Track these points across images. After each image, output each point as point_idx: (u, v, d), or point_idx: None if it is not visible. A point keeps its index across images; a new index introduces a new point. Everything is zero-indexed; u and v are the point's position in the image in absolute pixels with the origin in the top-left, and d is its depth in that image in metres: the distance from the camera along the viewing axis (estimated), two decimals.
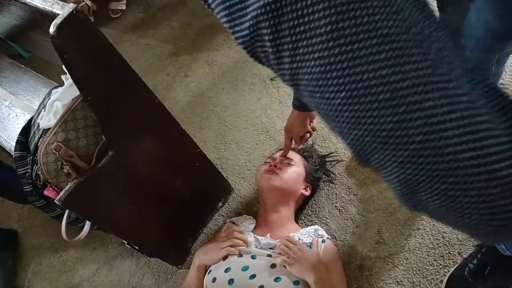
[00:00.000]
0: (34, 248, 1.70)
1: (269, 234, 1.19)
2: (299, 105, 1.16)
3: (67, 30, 0.75)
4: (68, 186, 0.94)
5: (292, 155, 1.33)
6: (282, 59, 0.35)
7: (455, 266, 1.15)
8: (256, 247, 1.16)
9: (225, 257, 1.12)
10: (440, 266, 1.17)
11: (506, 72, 1.39)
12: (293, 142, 1.30)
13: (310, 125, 1.25)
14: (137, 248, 1.45)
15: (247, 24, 0.35)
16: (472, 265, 1.09)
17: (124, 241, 1.51)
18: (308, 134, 1.27)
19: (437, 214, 0.38)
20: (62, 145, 0.94)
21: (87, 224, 1.07)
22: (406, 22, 0.31)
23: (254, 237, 1.19)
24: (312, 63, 0.32)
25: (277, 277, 1.02)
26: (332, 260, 1.14)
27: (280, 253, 1.08)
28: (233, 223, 1.33)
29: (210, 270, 1.12)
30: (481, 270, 1.07)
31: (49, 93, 1.15)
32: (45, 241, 1.69)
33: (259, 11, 0.33)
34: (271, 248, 1.15)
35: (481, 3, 0.85)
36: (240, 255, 1.11)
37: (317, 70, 0.33)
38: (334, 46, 0.31)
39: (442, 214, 0.37)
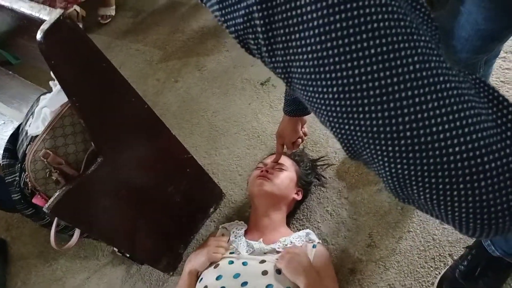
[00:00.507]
0: (23, 257, 1.67)
1: (261, 239, 1.19)
2: (290, 111, 1.17)
3: (55, 36, 0.74)
4: (56, 194, 0.92)
5: (284, 160, 1.33)
6: (274, 51, 0.35)
7: (446, 268, 1.16)
8: (247, 252, 1.15)
9: (216, 265, 1.11)
10: (431, 268, 1.17)
11: (493, 75, 1.41)
12: (285, 147, 1.30)
13: (301, 130, 1.25)
14: (128, 255, 1.43)
15: (241, 13, 0.35)
16: (462, 267, 1.10)
17: (115, 248, 1.49)
18: (300, 140, 1.27)
19: (426, 208, 0.38)
20: (51, 152, 0.93)
21: (77, 232, 1.06)
22: (396, 15, 0.31)
23: (246, 241, 1.19)
24: (305, 56, 0.32)
25: (269, 284, 1.02)
26: (323, 265, 1.13)
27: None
28: (225, 228, 1.32)
29: (201, 278, 1.11)
30: (472, 271, 1.08)
31: (38, 100, 1.14)
32: (34, 250, 1.67)
33: (253, 1, 0.33)
34: (264, 253, 1.15)
35: (470, 5, 0.87)
36: (231, 262, 1.10)
37: (310, 64, 0.33)
38: (327, 40, 0.31)
39: (431, 208, 0.37)
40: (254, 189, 1.27)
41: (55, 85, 1.04)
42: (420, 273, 1.18)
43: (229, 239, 1.24)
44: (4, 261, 1.68)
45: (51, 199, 0.92)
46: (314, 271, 1.06)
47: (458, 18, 0.92)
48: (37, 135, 0.99)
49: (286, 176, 1.29)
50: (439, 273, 1.16)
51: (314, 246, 1.18)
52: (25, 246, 1.70)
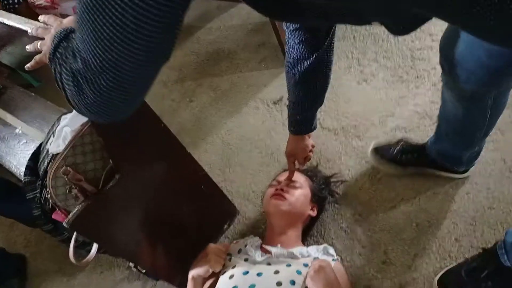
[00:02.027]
0: (42, 273, 1.70)
1: (279, 244, 1.20)
2: (296, 130, 1.20)
3: None
4: (76, 209, 0.95)
5: (297, 176, 1.34)
6: None
7: (454, 264, 1.15)
8: (262, 257, 1.16)
9: (231, 276, 1.12)
10: None
11: None
12: (297, 164, 1.31)
13: (309, 143, 1.27)
14: (143, 271, 1.45)
15: None
16: (470, 265, 1.09)
17: (130, 264, 1.51)
18: (310, 154, 1.29)
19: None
20: (71, 169, 0.96)
21: (94, 247, 1.08)
22: None
23: (261, 247, 1.21)
24: None
25: None
26: (344, 280, 1.14)
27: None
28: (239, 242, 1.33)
29: None
30: (478, 272, 1.07)
31: (58, 119, 1.18)
32: (52, 266, 1.70)
33: None
34: (280, 258, 1.15)
35: (470, 37, 0.82)
36: (246, 272, 1.11)
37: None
38: None
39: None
40: (270, 208, 1.28)
41: None
42: None
43: (241, 249, 1.25)
44: (23, 276, 1.71)
45: (71, 214, 0.95)
46: (340, 286, 1.05)
47: (459, 48, 0.88)
48: (57, 153, 1.03)
49: (301, 193, 1.30)
50: None
51: (333, 260, 1.18)
52: (44, 262, 1.73)
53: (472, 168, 1.31)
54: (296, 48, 0.98)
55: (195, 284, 1.19)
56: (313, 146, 1.30)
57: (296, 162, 1.30)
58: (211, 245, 1.27)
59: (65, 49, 0.57)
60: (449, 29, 0.92)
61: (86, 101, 0.53)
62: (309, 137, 1.26)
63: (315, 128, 1.19)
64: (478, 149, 1.24)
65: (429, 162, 1.32)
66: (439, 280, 1.14)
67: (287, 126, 1.21)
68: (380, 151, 1.40)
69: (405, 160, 1.35)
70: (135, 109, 0.59)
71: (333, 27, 0.95)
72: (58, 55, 0.59)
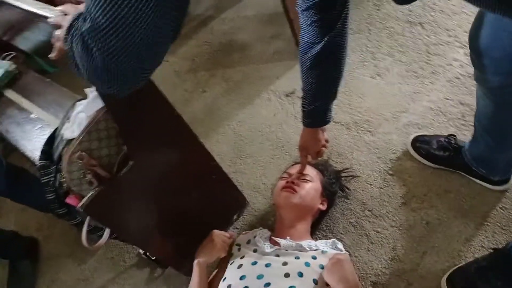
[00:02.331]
0: (53, 257, 1.74)
1: (288, 237, 1.21)
2: (309, 122, 1.18)
3: None
4: (90, 194, 0.97)
5: (308, 170, 1.34)
6: None
7: (464, 263, 1.15)
8: (271, 248, 1.17)
9: (239, 265, 1.13)
10: None
11: None
12: (309, 157, 1.31)
13: (323, 138, 1.26)
14: (153, 258, 1.47)
15: None
16: (481, 264, 1.09)
17: (140, 251, 1.53)
18: (323, 148, 1.28)
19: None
20: (86, 154, 0.98)
21: (106, 232, 1.10)
22: None
23: (270, 238, 1.22)
24: None
25: (292, 285, 1.03)
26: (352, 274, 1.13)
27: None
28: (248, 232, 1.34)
29: (225, 278, 1.13)
30: (488, 270, 1.07)
31: (73, 106, 1.20)
32: (64, 250, 1.73)
33: None
34: (288, 251, 1.16)
35: (494, 21, 0.85)
36: (255, 262, 1.12)
37: None
38: None
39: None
40: (280, 201, 1.29)
41: (91, 92, 1.10)
42: None
43: (250, 240, 1.26)
44: (35, 259, 1.74)
45: (85, 199, 0.97)
46: (356, 281, 1.05)
47: (483, 35, 0.89)
48: (72, 138, 1.05)
49: (311, 186, 1.30)
50: None
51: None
52: (56, 246, 1.77)
53: (511, 182, 1.27)
54: (308, 30, 0.96)
55: (200, 269, 1.20)
56: (327, 141, 1.28)
57: (308, 156, 1.30)
58: (216, 231, 1.28)
59: (77, 22, 0.59)
60: (476, 20, 0.92)
61: (96, 64, 0.55)
62: (323, 132, 1.24)
63: (328, 122, 1.17)
64: None
65: (462, 165, 1.29)
66: (448, 278, 1.14)
67: (301, 118, 1.20)
68: (420, 140, 1.39)
69: (439, 157, 1.33)
70: (143, 81, 0.61)
71: (346, 9, 0.93)
72: (72, 30, 0.61)
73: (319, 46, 0.97)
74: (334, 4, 0.90)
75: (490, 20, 0.87)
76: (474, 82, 1.06)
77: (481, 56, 0.93)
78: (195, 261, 1.23)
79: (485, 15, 0.88)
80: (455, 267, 1.15)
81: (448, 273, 1.15)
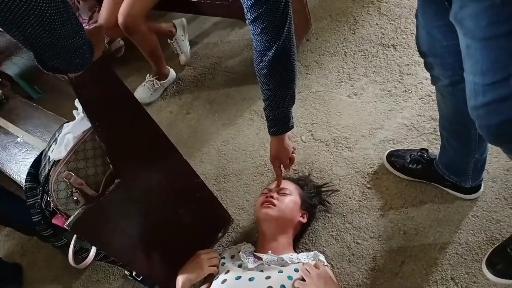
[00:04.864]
0: (37, 281, 1.73)
1: (270, 251, 1.24)
2: (275, 131, 1.25)
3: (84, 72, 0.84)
4: (77, 212, 1.00)
5: (287, 184, 1.39)
6: None
7: (496, 245, 1.19)
8: (255, 263, 1.20)
9: (223, 280, 1.16)
10: None
11: None
12: (282, 169, 1.36)
13: (291, 144, 1.32)
14: (139, 279, 1.48)
15: None
16: None
17: (126, 272, 1.54)
18: (293, 155, 1.35)
19: None
20: (73, 174, 1.01)
21: (93, 250, 1.12)
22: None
23: (254, 254, 1.25)
24: None
25: None
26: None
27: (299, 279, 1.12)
28: (234, 248, 1.37)
29: None
30: None
31: (60, 128, 1.23)
32: (48, 275, 1.72)
33: None
34: (270, 265, 1.19)
35: (424, 22, 0.92)
36: (239, 277, 1.15)
37: None
38: None
39: None
40: (260, 215, 1.33)
41: (78, 114, 1.14)
42: None
43: (234, 255, 1.29)
44: (20, 285, 1.73)
45: (72, 217, 0.99)
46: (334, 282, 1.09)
47: (421, 34, 0.99)
48: (59, 159, 1.08)
49: (290, 200, 1.35)
50: None
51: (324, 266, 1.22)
52: (40, 271, 1.75)
53: (481, 190, 1.32)
54: (259, 39, 1.05)
55: None
56: (294, 148, 1.36)
57: (282, 166, 1.35)
58: (201, 252, 1.31)
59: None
60: (416, 27, 1.02)
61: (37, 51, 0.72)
62: (289, 139, 1.31)
63: (292, 127, 1.25)
64: (480, 158, 1.23)
65: (435, 177, 1.36)
66: (487, 261, 1.17)
67: (267, 130, 1.26)
68: (394, 155, 1.46)
69: (413, 170, 1.40)
70: (77, 58, 0.76)
71: (289, 14, 1.02)
72: None
73: (271, 52, 1.06)
74: (278, 10, 1.00)
75: (421, 23, 0.97)
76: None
77: (426, 56, 1.03)
78: (179, 283, 1.25)
79: (417, 20, 0.99)
80: (491, 250, 1.19)
81: (485, 257, 1.18)
